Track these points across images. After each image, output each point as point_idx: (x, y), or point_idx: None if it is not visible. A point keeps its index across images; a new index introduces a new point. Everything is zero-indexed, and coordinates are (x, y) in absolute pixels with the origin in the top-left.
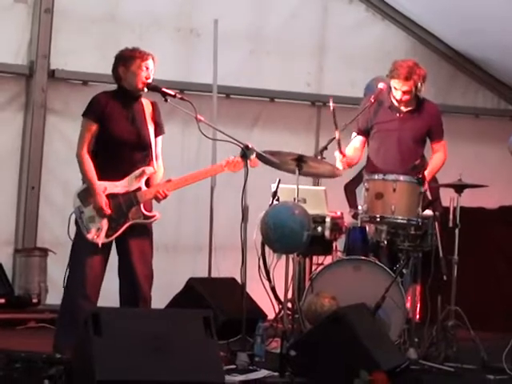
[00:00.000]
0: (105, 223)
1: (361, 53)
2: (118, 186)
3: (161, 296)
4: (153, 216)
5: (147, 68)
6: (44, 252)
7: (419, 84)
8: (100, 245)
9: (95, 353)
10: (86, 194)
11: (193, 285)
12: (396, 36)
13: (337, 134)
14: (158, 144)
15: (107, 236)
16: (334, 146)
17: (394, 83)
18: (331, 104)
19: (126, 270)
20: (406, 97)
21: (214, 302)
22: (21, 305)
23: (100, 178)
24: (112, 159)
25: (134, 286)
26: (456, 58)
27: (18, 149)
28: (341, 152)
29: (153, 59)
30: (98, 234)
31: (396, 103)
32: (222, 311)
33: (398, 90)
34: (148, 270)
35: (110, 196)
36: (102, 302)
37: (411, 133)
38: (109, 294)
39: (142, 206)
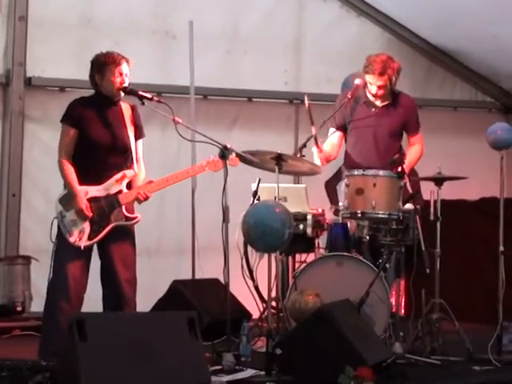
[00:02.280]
0: (87, 226)
1: (337, 49)
2: (100, 190)
3: (145, 300)
4: (135, 217)
5: (121, 74)
6: (27, 260)
7: (394, 78)
8: (82, 247)
9: (80, 359)
10: (68, 199)
11: (177, 287)
12: (371, 32)
13: (313, 130)
14: (138, 147)
15: (90, 239)
16: (312, 142)
17: (369, 78)
18: (306, 101)
19: (108, 275)
20: (381, 91)
21: (199, 304)
22: (5, 313)
23: (81, 183)
24: (92, 164)
25: (117, 291)
26: (432, 51)
27: None
28: (318, 147)
29: (127, 62)
30: (80, 236)
31: (372, 98)
32: (206, 312)
33: (373, 84)
34: (130, 275)
35: (92, 199)
36: (85, 309)
37: (387, 128)
38: (92, 301)
39: (123, 208)
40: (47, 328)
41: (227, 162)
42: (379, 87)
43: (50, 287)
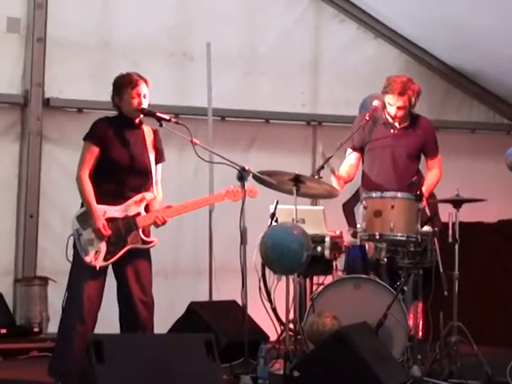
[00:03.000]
0: (103, 246)
1: (354, 71)
2: (118, 211)
3: (162, 321)
4: (151, 241)
5: (139, 94)
6: (44, 281)
7: (413, 99)
8: (98, 268)
9: (98, 380)
10: (85, 217)
11: (194, 309)
12: (389, 53)
13: (330, 170)
14: (158, 171)
15: (105, 259)
16: (329, 167)
17: (388, 99)
18: (320, 149)
19: (123, 295)
20: (401, 112)
21: (216, 326)
22: (22, 334)
23: (99, 202)
24: (111, 184)
25: (133, 312)
26: (449, 73)
27: (15, 178)
28: (336, 176)
29: (146, 83)
30: (96, 256)
31: (390, 119)
32: (224, 334)
33: (393, 105)
34: (147, 297)
35: (110, 220)
36: (102, 329)
37: (405, 149)
38: (109, 320)
39: (140, 231)
40: (59, 348)
41: (246, 189)
42: (398, 108)
43: (64, 306)
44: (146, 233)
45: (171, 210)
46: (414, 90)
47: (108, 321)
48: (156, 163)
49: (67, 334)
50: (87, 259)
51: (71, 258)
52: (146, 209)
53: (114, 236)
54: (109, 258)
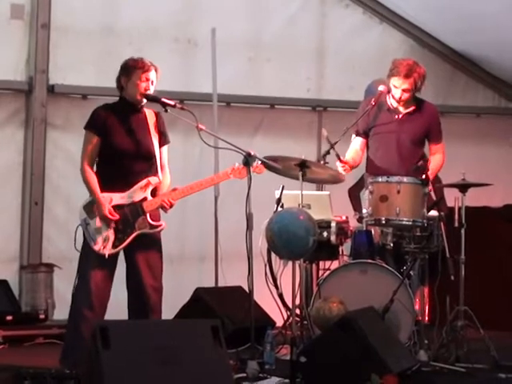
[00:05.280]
0: (111, 234)
1: (360, 56)
2: (124, 197)
3: (168, 307)
4: (159, 225)
5: (147, 79)
6: (50, 267)
7: (419, 82)
8: (107, 256)
9: (104, 367)
10: (92, 206)
11: (200, 295)
12: (394, 38)
13: (337, 157)
14: (163, 154)
15: (114, 247)
16: (334, 154)
17: (394, 81)
18: (325, 133)
19: (133, 282)
20: (406, 95)
21: (222, 311)
22: (28, 321)
23: (106, 190)
24: (116, 171)
25: (143, 298)
26: (454, 57)
27: (20, 165)
28: (341, 161)
29: (156, 71)
30: (104, 245)
31: (395, 104)
32: (230, 320)
33: (398, 88)
34: (157, 283)
35: (116, 207)
36: (110, 315)
37: (410, 134)
38: (118, 306)
39: (148, 216)
40: (69, 336)
41: (251, 169)
42: (404, 90)
43: (73, 294)
44: (155, 217)
45: (177, 193)
46: (419, 72)
47: (115, 309)
48: (160, 146)
49: (76, 322)
50: (96, 248)
51: (79, 248)
52: (153, 193)
53: (122, 223)
54: (117, 245)
